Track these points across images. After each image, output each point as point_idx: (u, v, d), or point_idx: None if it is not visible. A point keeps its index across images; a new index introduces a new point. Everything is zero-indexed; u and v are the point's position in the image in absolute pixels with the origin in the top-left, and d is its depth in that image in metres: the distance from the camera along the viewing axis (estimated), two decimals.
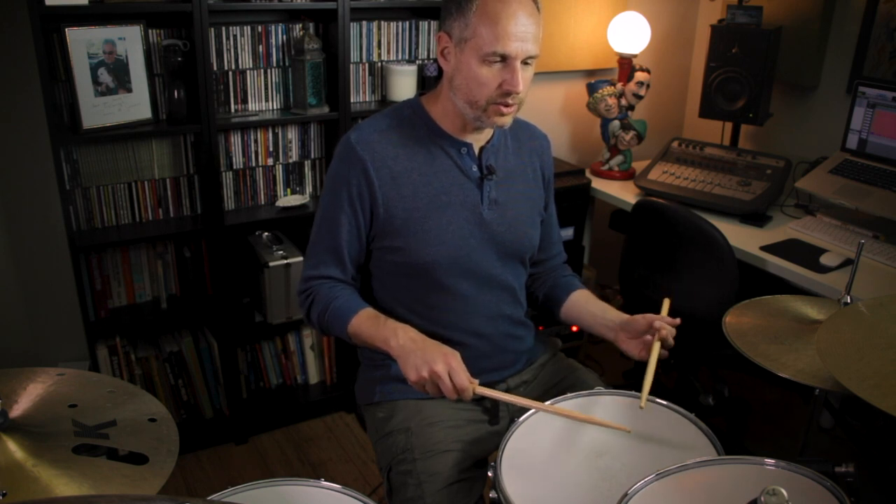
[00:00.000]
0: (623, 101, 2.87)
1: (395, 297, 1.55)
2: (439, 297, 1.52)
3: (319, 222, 1.54)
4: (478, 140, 1.54)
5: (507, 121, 1.45)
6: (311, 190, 2.66)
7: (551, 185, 1.70)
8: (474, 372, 1.57)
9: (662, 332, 1.45)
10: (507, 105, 1.41)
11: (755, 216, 2.47)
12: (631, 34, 2.86)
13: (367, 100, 2.64)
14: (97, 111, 2.15)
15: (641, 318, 1.50)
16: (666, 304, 1.59)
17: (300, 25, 2.43)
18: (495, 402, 1.56)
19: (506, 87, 1.38)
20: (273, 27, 2.41)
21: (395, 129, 1.51)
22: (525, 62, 1.40)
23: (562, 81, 3.08)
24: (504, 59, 1.38)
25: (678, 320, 1.48)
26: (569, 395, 1.48)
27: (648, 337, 1.48)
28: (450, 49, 1.44)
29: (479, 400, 1.58)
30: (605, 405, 1.48)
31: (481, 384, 1.57)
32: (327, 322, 1.51)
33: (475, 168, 1.53)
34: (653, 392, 1.48)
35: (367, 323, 1.47)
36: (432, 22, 2.65)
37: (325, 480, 1.29)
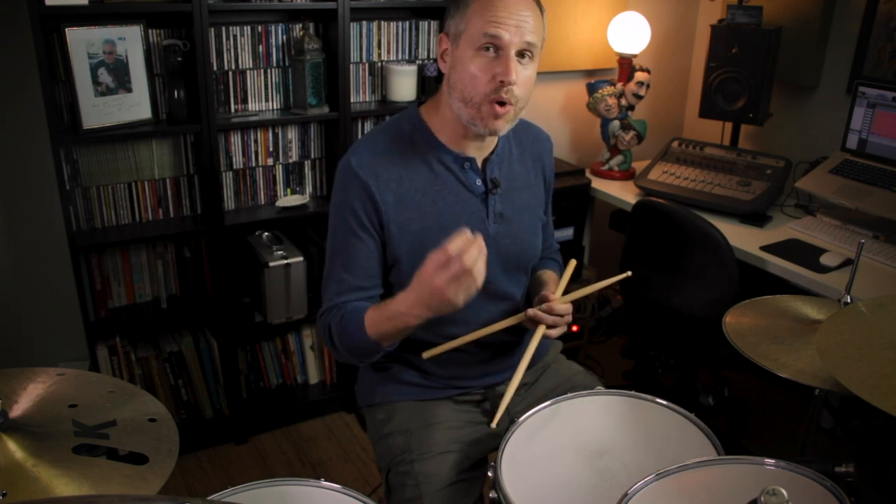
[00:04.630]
0: (623, 101, 2.87)
1: None
2: None
3: (332, 255, 1.47)
4: (480, 152, 1.49)
5: (500, 125, 1.38)
6: (311, 190, 2.66)
7: (551, 188, 1.68)
8: (476, 375, 1.57)
9: (540, 328, 1.45)
10: (501, 102, 1.35)
11: (755, 216, 2.47)
12: (631, 34, 2.86)
13: (367, 100, 2.64)
14: (97, 111, 2.15)
15: (536, 301, 1.49)
16: (570, 266, 1.58)
17: (300, 25, 2.43)
18: (495, 404, 1.56)
19: (498, 77, 1.34)
20: (273, 27, 2.41)
21: (395, 148, 1.46)
22: (522, 56, 1.35)
23: (562, 81, 3.08)
24: (497, 49, 1.34)
25: (555, 302, 1.46)
26: (568, 395, 1.48)
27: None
28: (448, 49, 1.41)
29: (479, 402, 1.59)
30: (605, 405, 1.48)
31: (482, 386, 1.59)
32: (348, 337, 1.40)
33: (479, 182, 1.49)
34: (653, 392, 1.49)
35: (376, 315, 1.37)
36: (432, 22, 2.65)
37: (325, 480, 1.29)
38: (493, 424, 1.34)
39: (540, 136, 1.64)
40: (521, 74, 1.36)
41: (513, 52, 1.34)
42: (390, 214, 1.43)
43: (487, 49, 1.34)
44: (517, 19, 1.33)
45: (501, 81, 1.33)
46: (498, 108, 1.36)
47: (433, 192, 1.46)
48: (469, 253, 1.20)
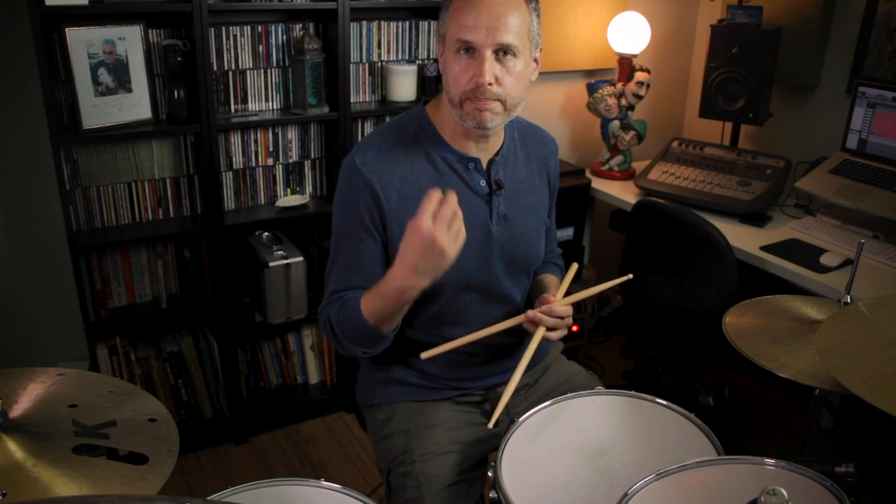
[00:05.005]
0: (623, 101, 2.87)
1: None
2: (441, 311, 1.49)
3: (335, 253, 1.47)
4: (484, 153, 1.48)
5: (486, 118, 1.36)
6: (311, 190, 2.66)
7: (556, 191, 1.67)
8: (476, 376, 1.57)
9: (540, 330, 1.45)
10: (479, 100, 1.35)
11: (755, 216, 2.47)
12: (631, 34, 2.86)
13: (367, 100, 2.64)
14: (97, 111, 2.15)
15: (537, 303, 1.49)
16: (572, 269, 1.58)
17: (300, 25, 2.43)
18: (494, 405, 1.55)
19: (474, 78, 1.33)
20: (273, 27, 2.41)
21: (399, 147, 1.45)
22: (503, 53, 1.34)
23: (562, 81, 3.08)
24: (471, 49, 1.33)
25: (555, 304, 1.46)
26: (568, 395, 1.48)
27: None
28: (442, 51, 1.42)
29: (479, 403, 1.59)
30: (605, 405, 1.48)
31: (483, 387, 1.59)
32: (349, 326, 1.38)
33: (483, 183, 1.48)
34: (653, 392, 1.49)
35: (370, 298, 1.34)
36: (432, 22, 2.64)
37: (325, 480, 1.29)
38: (490, 425, 1.34)
39: (545, 139, 1.64)
40: (503, 73, 1.35)
41: (487, 53, 1.32)
42: (393, 212, 1.42)
43: (466, 51, 1.34)
44: (489, 21, 1.31)
45: (478, 82, 1.33)
46: (479, 104, 1.35)
47: None
48: (451, 196, 1.22)
